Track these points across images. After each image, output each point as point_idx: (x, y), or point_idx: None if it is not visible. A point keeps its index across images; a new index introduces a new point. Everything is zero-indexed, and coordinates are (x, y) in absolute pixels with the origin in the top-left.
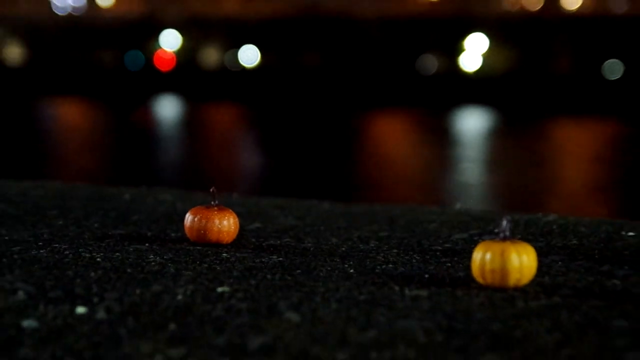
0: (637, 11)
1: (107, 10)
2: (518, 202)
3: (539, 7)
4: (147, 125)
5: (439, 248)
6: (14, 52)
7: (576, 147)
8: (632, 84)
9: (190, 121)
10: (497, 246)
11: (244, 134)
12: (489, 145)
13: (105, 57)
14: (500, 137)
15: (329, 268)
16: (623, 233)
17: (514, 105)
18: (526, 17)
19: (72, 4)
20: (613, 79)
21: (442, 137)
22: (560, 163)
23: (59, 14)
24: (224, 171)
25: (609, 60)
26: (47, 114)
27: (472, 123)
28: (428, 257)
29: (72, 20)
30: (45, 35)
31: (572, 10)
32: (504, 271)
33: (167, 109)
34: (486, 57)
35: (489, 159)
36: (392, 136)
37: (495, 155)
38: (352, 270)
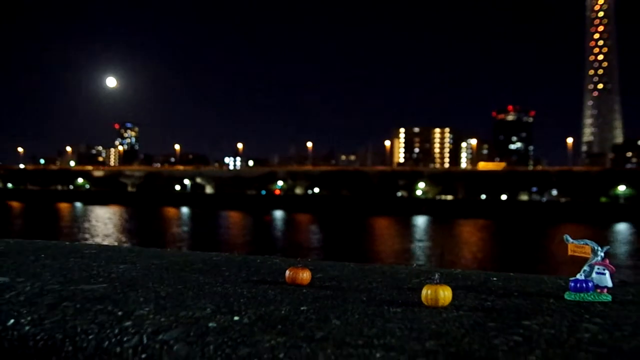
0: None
1: (251, 168)
2: (445, 262)
3: (447, 167)
4: (271, 222)
5: (406, 287)
6: (209, 189)
7: (472, 236)
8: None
9: (289, 220)
10: (432, 287)
11: (313, 226)
12: (431, 233)
13: (251, 191)
14: (436, 230)
15: (353, 298)
16: (492, 279)
17: (441, 212)
18: (449, 171)
19: (236, 165)
20: (483, 199)
21: (407, 230)
22: (465, 243)
23: (230, 169)
24: (304, 242)
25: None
26: (223, 217)
27: (421, 222)
28: (401, 292)
29: (235, 173)
30: (222, 180)
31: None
32: (436, 299)
33: (279, 215)
34: (425, 190)
35: (431, 239)
36: (385, 228)
37: (433, 238)
38: (364, 299)
